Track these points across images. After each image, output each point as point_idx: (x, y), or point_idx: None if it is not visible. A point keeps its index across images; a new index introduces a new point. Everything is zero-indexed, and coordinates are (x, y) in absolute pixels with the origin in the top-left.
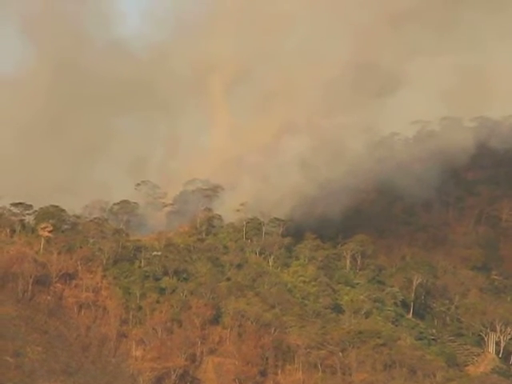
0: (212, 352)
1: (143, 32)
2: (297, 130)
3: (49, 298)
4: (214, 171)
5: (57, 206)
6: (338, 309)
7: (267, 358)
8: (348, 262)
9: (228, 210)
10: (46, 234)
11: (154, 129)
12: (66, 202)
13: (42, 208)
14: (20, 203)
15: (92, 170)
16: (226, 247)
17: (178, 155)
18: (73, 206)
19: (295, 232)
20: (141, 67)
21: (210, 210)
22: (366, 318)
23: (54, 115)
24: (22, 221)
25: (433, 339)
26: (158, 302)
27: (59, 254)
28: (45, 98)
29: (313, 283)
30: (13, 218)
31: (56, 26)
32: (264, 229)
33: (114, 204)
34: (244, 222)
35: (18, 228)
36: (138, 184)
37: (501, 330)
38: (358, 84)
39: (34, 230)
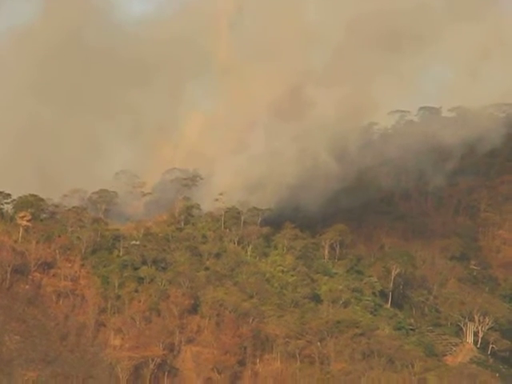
0: (190, 341)
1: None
2: (274, 119)
3: (27, 286)
4: (190, 163)
5: (35, 195)
6: (316, 298)
7: (245, 348)
8: (326, 251)
9: (206, 199)
10: (25, 222)
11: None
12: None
13: (20, 197)
14: None
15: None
16: (204, 236)
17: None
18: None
19: (274, 221)
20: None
21: (188, 199)
22: (345, 307)
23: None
24: (0, 209)
25: (411, 329)
26: (136, 291)
27: (38, 242)
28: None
29: (291, 273)
30: None
31: None
32: (242, 218)
33: (93, 193)
34: (222, 212)
35: None
36: (117, 173)
37: (479, 320)
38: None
39: (12, 219)
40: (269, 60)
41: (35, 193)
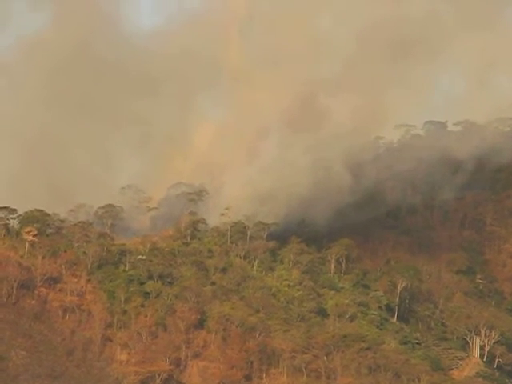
0: (197, 356)
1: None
2: (280, 133)
3: (33, 302)
4: (199, 174)
5: (41, 210)
6: (322, 313)
7: (252, 362)
8: (333, 265)
9: (212, 213)
10: (31, 238)
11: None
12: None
13: (26, 212)
14: (4, 207)
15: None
16: (210, 251)
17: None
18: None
19: (280, 236)
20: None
21: (194, 213)
22: (351, 322)
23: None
24: (6, 225)
25: (417, 343)
26: (142, 305)
27: (44, 258)
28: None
29: (297, 287)
30: None
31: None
32: (249, 233)
33: (99, 208)
34: (229, 226)
35: (2, 232)
36: (123, 188)
37: (485, 334)
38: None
39: (18, 234)
40: (279, 69)
41: (44, 206)
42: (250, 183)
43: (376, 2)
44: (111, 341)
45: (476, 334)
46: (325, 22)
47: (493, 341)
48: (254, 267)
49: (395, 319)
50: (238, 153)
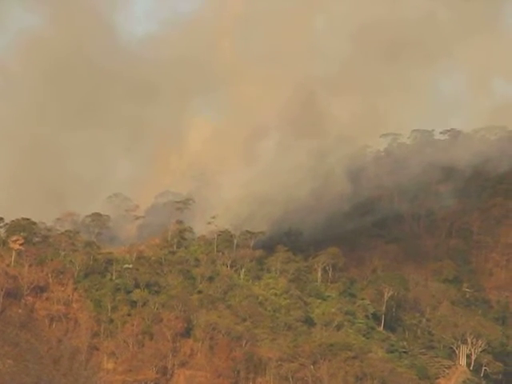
0: (183, 365)
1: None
2: (277, 135)
3: (20, 310)
4: (192, 175)
5: (28, 219)
6: (309, 321)
7: (239, 371)
8: (319, 274)
9: (199, 222)
10: (17, 246)
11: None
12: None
13: (13, 221)
14: None
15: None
16: (197, 260)
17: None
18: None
19: (266, 245)
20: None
21: (181, 222)
22: (338, 330)
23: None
24: None
25: (404, 352)
26: (129, 314)
27: (30, 266)
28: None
29: (284, 296)
30: None
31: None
32: (235, 241)
33: (86, 216)
34: (215, 235)
35: None
36: (110, 196)
37: (472, 343)
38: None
39: (5, 243)
40: (275, 70)
41: (37, 210)
42: (244, 186)
43: (373, 2)
44: (98, 349)
45: (463, 343)
46: (321, 22)
47: (479, 349)
48: (241, 276)
49: (382, 328)
50: (233, 154)
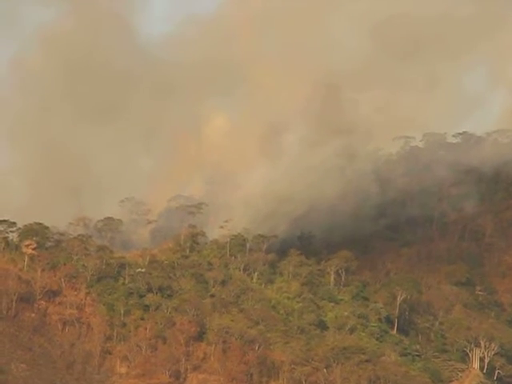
0: (196, 368)
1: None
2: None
3: (33, 315)
4: (199, 187)
5: (40, 224)
6: (322, 325)
7: (252, 375)
8: (332, 278)
9: (212, 226)
10: (30, 251)
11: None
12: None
13: (25, 225)
14: (4, 220)
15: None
16: (210, 264)
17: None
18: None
19: (279, 248)
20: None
21: (193, 226)
22: (351, 334)
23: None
24: (5, 238)
25: (417, 355)
26: (142, 318)
27: (43, 271)
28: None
29: (297, 299)
30: None
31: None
32: (248, 245)
33: (98, 221)
34: (228, 239)
35: (1, 245)
36: (122, 201)
37: (485, 346)
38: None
39: (17, 248)
40: (293, 66)
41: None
42: (249, 198)
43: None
44: (111, 353)
45: (476, 346)
46: (340, 18)
47: (492, 352)
48: (254, 279)
49: (395, 331)
50: (252, 151)
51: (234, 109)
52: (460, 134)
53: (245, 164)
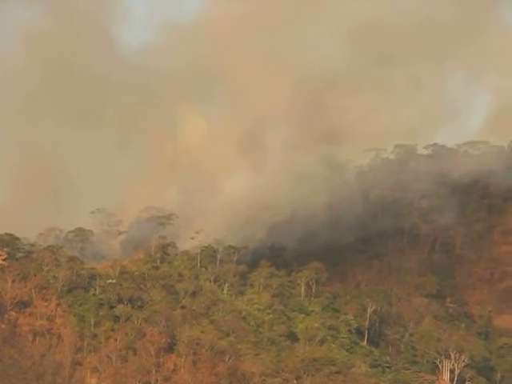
0: (167, 380)
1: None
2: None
3: (3, 326)
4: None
5: (11, 234)
6: (292, 336)
7: None
8: (303, 289)
9: (182, 237)
10: (0, 261)
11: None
12: None
13: None
14: None
15: None
16: (180, 275)
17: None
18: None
19: (250, 260)
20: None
21: (164, 237)
22: (321, 345)
23: None
24: None
25: (387, 367)
26: (112, 329)
27: (13, 282)
28: None
29: (267, 311)
30: None
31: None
32: (219, 256)
33: (69, 232)
34: (199, 250)
35: None
36: (93, 212)
37: (455, 358)
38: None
39: None
40: (274, 70)
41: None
42: (219, 209)
43: (372, 2)
44: (81, 365)
45: (446, 358)
46: (320, 22)
47: (463, 364)
48: (224, 291)
49: (365, 343)
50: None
51: (213, 114)
52: (431, 145)
53: (224, 169)
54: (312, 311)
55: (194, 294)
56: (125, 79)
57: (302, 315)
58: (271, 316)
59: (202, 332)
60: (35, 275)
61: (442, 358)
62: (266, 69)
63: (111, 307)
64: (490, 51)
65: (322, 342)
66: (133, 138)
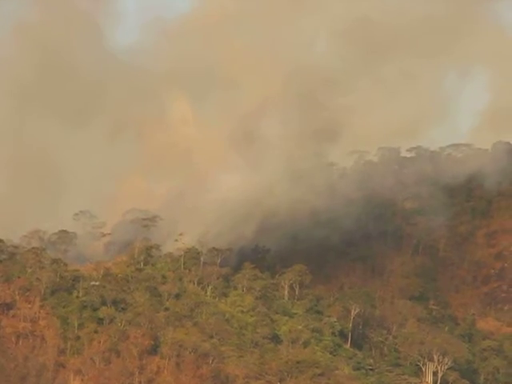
0: (150, 382)
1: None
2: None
3: None
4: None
5: None
6: (276, 339)
7: None
8: (286, 291)
9: (166, 239)
10: None
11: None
12: None
13: None
14: None
15: None
16: (164, 277)
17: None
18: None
19: (233, 262)
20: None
21: (148, 239)
22: (304, 347)
23: None
24: None
25: (370, 369)
26: (95, 331)
27: None
28: None
29: (251, 313)
30: None
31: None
32: (202, 259)
33: (53, 234)
34: (182, 252)
35: None
36: (77, 214)
37: (438, 360)
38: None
39: None
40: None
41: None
42: (203, 212)
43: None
44: (64, 367)
45: (429, 360)
46: (313, 19)
47: (446, 367)
48: (208, 293)
49: (348, 345)
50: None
51: (205, 110)
52: (414, 148)
53: (214, 165)
54: (295, 313)
55: (177, 296)
56: (116, 76)
57: (286, 317)
58: (255, 318)
59: (186, 334)
60: (19, 277)
61: (426, 360)
62: (259, 65)
63: (95, 309)
64: (483, 49)
65: (306, 344)
66: (123, 135)
